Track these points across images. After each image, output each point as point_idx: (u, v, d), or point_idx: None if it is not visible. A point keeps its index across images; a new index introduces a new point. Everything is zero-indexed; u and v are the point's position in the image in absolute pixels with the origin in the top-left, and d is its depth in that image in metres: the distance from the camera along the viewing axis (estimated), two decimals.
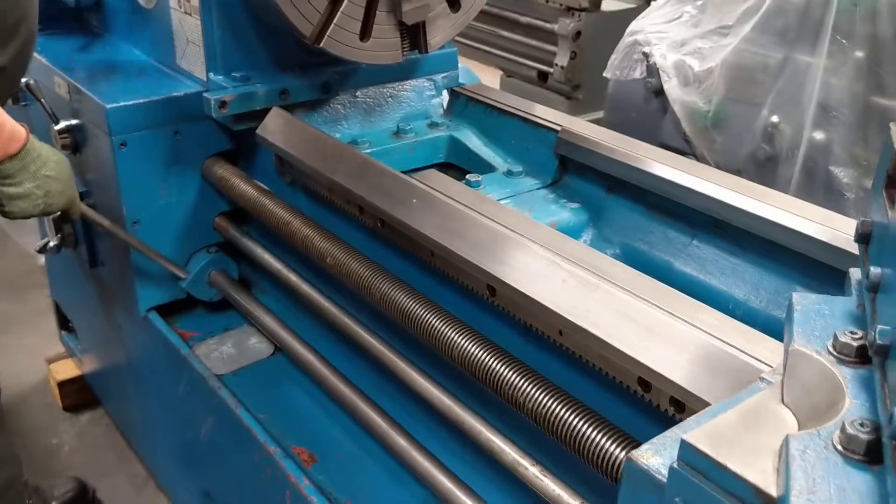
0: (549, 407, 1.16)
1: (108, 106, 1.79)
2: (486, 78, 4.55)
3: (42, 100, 1.98)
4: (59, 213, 1.78)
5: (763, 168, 2.63)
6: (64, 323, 2.82)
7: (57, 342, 2.89)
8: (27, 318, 3.26)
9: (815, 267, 1.36)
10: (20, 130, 1.59)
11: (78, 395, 2.78)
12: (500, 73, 4.54)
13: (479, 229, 1.37)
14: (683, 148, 2.86)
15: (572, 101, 4.02)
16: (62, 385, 2.77)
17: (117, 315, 2.24)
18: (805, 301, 0.77)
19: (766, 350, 1.02)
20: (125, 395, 2.46)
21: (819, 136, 2.48)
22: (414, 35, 1.88)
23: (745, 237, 1.47)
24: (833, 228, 1.36)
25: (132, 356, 2.25)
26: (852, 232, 0.81)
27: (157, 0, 1.97)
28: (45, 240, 2.17)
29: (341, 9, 1.72)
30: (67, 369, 2.79)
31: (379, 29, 1.80)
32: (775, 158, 2.60)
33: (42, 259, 3.12)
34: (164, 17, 1.95)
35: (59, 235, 2.12)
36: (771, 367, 0.95)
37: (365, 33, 1.78)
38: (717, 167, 2.74)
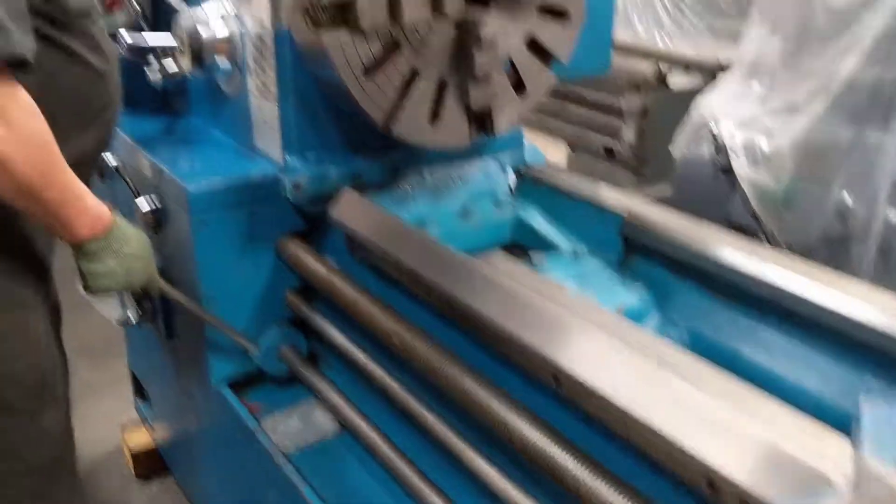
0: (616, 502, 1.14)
1: (190, 187, 1.88)
2: (552, 151, 4.63)
3: (127, 179, 2.09)
4: (139, 289, 1.85)
5: (836, 248, 2.58)
6: (139, 391, 2.91)
7: (133, 410, 2.97)
8: (107, 385, 3.36)
9: (890, 360, 1.33)
10: (105, 211, 1.66)
11: (150, 463, 2.84)
12: (567, 147, 4.58)
13: (542, 315, 1.38)
14: (752, 226, 2.83)
15: (640, 176, 4.02)
16: (135, 453, 2.83)
17: (189, 386, 2.30)
18: (874, 409, 0.76)
19: (837, 450, 1.00)
20: (193, 466, 2.51)
21: (894, 216, 2.43)
22: (481, 119, 1.93)
23: (816, 326, 1.45)
24: None
25: (202, 427, 2.30)
26: None
27: (238, 85, 2.07)
28: (125, 312, 2.25)
29: (411, 96, 1.79)
30: (141, 437, 2.86)
31: (447, 114, 1.86)
32: (848, 238, 2.55)
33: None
34: (244, 101, 2.05)
35: (138, 309, 2.20)
36: (842, 470, 0.93)
37: (434, 119, 1.84)
38: (788, 247, 2.71)
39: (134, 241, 1.73)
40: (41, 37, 1.51)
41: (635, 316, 1.67)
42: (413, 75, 1.78)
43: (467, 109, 1.88)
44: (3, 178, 1.42)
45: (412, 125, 1.83)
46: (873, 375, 1.37)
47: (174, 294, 1.98)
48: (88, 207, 1.61)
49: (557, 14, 1.92)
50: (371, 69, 1.72)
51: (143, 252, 1.77)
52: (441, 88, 1.83)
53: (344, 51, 1.67)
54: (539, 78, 1.96)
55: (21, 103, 1.40)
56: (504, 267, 1.61)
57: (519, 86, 1.94)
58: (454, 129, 1.89)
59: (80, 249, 1.65)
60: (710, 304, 1.64)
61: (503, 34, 1.79)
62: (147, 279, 1.80)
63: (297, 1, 1.65)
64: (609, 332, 1.30)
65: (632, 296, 1.71)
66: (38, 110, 1.44)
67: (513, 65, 1.90)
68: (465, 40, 1.76)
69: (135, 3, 2.35)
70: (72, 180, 1.56)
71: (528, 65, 1.93)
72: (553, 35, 1.94)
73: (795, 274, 1.49)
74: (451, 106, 1.86)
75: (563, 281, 1.74)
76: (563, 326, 1.34)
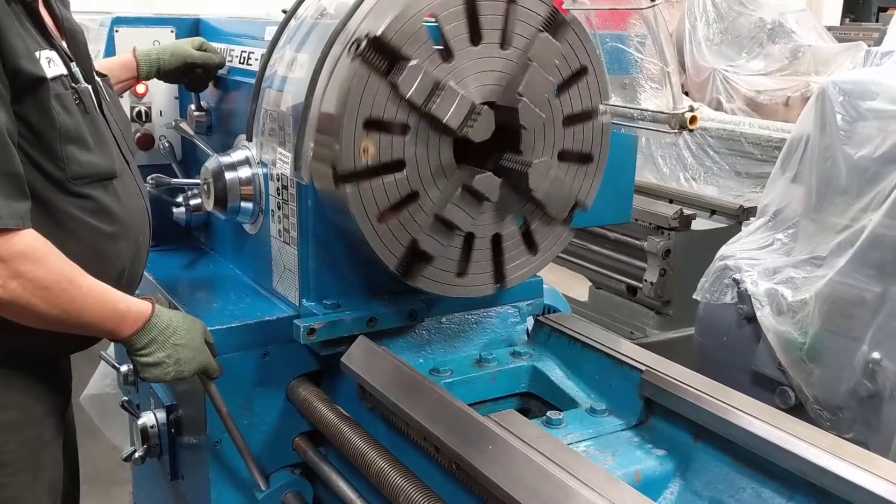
0: None
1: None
2: (575, 286, 4.60)
3: None
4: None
5: (865, 406, 2.49)
6: None
7: None
8: None
9: None
10: (144, 308, 1.69)
11: None
12: (590, 283, 4.56)
13: (554, 486, 1.32)
14: (778, 377, 2.76)
15: (662, 317, 3.97)
16: None
17: None
18: None
19: None
20: None
21: None
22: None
23: None
24: None
25: None
26: None
27: (260, 227, 2.09)
28: (132, 449, 2.21)
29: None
30: None
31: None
32: (878, 396, 2.46)
33: None
34: (265, 243, 2.06)
35: (144, 446, 2.16)
36: None
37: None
38: (816, 402, 2.62)
39: (182, 332, 1.73)
40: (39, 201, 1.56)
41: (654, 483, 1.60)
42: (398, 163, 1.76)
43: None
44: (32, 320, 1.54)
45: (366, 205, 1.77)
46: None
47: (218, 400, 1.90)
48: (127, 311, 1.66)
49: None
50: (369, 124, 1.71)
51: (192, 342, 1.75)
52: (409, 198, 1.78)
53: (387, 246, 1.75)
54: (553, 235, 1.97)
55: (27, 255, 1.48)
56: (518, 427, 1.55)
57: (530, 244, 1.95)
58: (391, 243, 1.81)
59: (129, 345, 1.70)
60: (735, 474, 1.56)
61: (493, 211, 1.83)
62: (198, 367, 1.77)
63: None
64: None
65: (651, 461, 1.64)
66: (46, 254, 1.51)
67: (526, 223, 1.91)
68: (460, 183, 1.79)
69: (166, 143, 2.43)
70: (100, 301, 1.61)
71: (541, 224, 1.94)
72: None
73: (823, 448, 1.42)
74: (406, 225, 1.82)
75: (580, 442, 1.68)
76: (574, 499, 1.28)
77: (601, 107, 1.94)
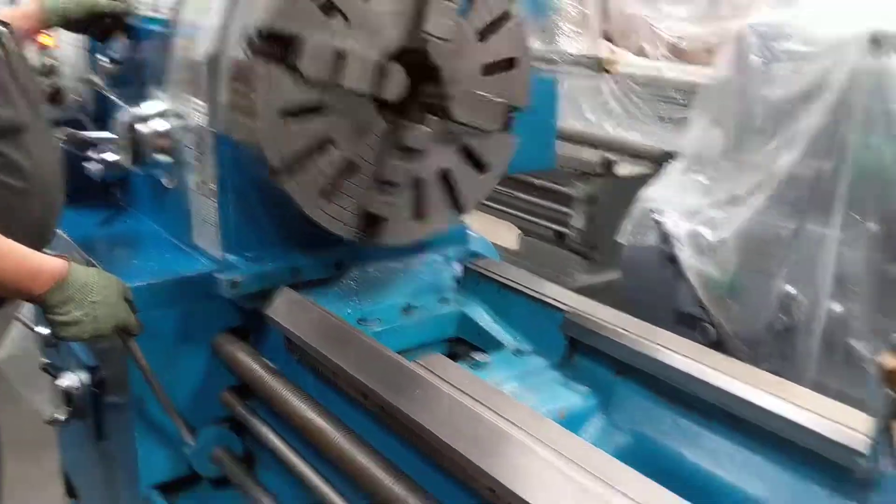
0: None
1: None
2: (505, 235, 4.62)
3: None
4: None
5: (781, 339, 2.59)
6: (71, 491, 2.77)
7: None
8: (37, 480, 3.20)
9: (830, 465, 1.32)
10: (58, 265, 1.64)
11: None
12: (519, 230, 4.60)
13: (481, 426, 1.34)
14: (700, 315, 2.84)
15: (590, 261, 4.04)
16: None
17: (120, 489, 2.19)
18: None
19: None
20: None
21: (837, 307, 2.46)
22: (372, 220, 1.85)
23: (759, 431, 1.43)
24: (848, 427, 1.32)
25: None
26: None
27: (177, 181, 2.04)
28: (56, 411, 2.16)
29: (315, 159, 1.74)
30: None
31: (341, 199, 1.81)
32: (793, 330, 2.56)
33: None
34: (183, 197, 2.01)
35: (69, 409, 2.11)
36: None
37: (326, 194, 1.78)
38: (735, 337, 2.72)
39: (98, 288, 1.68)
40: None
41: (578, 419, 1.64)
42: (325, 142, 1.73)
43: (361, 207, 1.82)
44: None
45: (304, 188, 1.75)
46: (817, 483, 1.35)
47: (140, 358, 1.86)
48: (41, 269, 1.61)
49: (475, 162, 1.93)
50: (286, 114, 1.68)
51: (109, 298, 1.71)
52: (347, 169, 1.77)
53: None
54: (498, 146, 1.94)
55: None
56: (445, 371, 1.56)
57: (478, 164, 1.92)
58: (340, 215, 1.81)
59: (43, 304, 1.64)
60: (655, 407, 1.61)
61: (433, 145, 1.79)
62: (117, 324, 1.73)
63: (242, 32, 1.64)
64: (548, 445, 1.26)
65: (575, 398, 1.68)
66: None
67: (467, 147, 1.88)
68: (392, 141, 1.76)
69: (77, 98, 2.33)
70: (12, 259, 1.58)
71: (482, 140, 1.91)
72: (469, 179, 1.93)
73: (738, 378, 1.48)
74: (349, 193, 1.80)
75: (505, 382, 1.71)
76: (500, 437, 1.31)
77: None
